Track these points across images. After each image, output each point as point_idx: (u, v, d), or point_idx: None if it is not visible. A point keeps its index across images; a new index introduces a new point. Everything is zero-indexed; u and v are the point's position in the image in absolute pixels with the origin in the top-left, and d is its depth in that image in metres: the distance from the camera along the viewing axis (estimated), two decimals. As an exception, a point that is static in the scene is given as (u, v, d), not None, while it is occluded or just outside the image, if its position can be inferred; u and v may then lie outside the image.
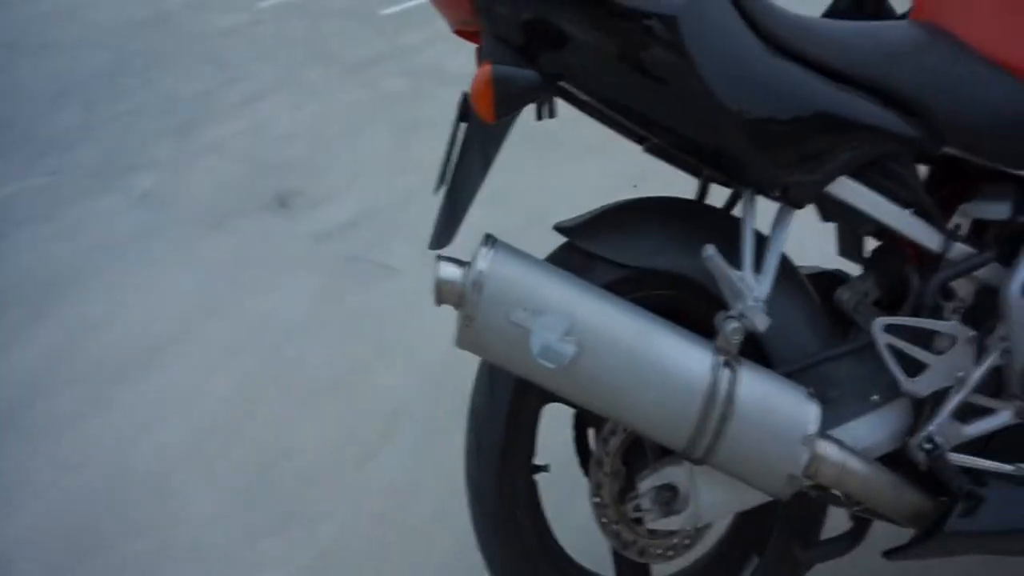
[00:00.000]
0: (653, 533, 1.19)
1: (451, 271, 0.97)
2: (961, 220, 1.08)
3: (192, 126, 3.35)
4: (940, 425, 1.07)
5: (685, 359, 0.98)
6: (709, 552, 1.34)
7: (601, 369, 0.97)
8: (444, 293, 0.97)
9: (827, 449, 1.03)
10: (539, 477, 1.26)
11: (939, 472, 1.06)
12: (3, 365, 2.17)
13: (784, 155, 0.99)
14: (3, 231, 2.75)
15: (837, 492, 1.09)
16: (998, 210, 1.06)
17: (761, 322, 0.99)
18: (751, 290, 1.00)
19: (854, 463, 1.04)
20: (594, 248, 1.10)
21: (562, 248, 1.13)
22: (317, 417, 1.94)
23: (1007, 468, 1.07)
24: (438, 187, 1.05)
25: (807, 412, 1.00)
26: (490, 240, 0.99)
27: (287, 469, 1.81)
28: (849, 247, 1.28)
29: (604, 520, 1.18)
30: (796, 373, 1.10)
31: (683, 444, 1.00)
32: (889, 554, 1.14)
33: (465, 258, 0.99)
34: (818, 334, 1.11)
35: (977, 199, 1.07)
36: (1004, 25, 1.02)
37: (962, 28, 1.03)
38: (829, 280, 1.27)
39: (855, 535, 1.18)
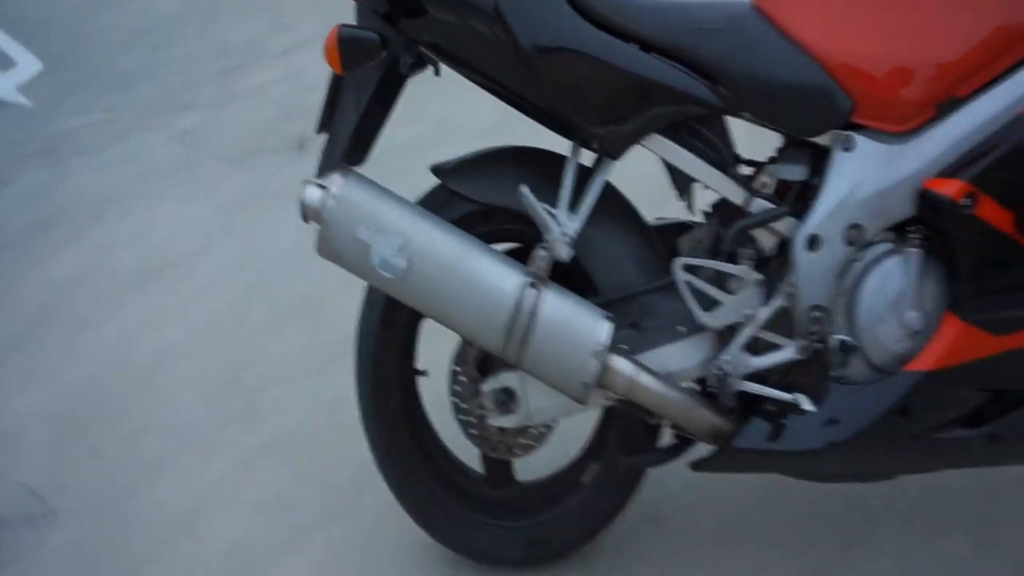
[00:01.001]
0: (502, 431, 1.40)
1: (312, 194, 1.20)
2: (767, 179, 1.22)
3: (237, 71, 3.66)
4: (731, 355, 1.24)
5: (498, 278, 1.19)
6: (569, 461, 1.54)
7: (428, 281, 1.19)
8: (307, 211, 1.20)
9: (618, 363, 1.21)
10: (423, 380, 1.49)
11: (721, 396, 1.23)
12: (38, 275, 2.54)
13: (596, 113, 1.17)
14: (63, 158, 3.13)
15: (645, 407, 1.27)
16: (795, 172, 1.21)
17: (565, 253, 1.19)
18: (559, 225, 1.19)
19: (645, 378, 1.22)
20: (454, 186, 1.30)
21: (436, 185, 1.34)
22: (292, 330, 2.22)
23: (787, 397, 1.23)
24: (319, 130, 1.28)
25: (599, 329, 1.19)
26: (345, 170, 1.21)
27: (257, 372, 2.10)
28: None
29: (462, 419, 1.40)
30: (616, 302, 1.28)
31: (498, 349, 1.21)
32: (694, 465, 1.31)
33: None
34: (642, 271, 1.29)
35: (780, 161, 1.21)
36: (806, 8, 1.16)
37: (776, 10, 1.17)
38: (684, 229, 1.43)
39: (675, 450, 1.36)
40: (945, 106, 1.11)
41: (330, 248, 1.19)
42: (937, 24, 1.11)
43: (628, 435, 1.39)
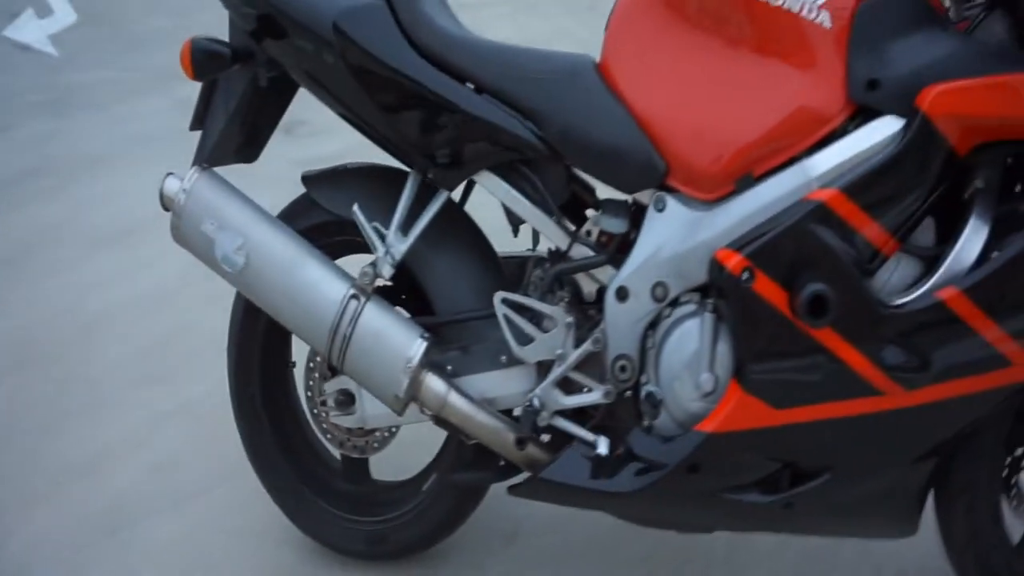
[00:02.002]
0: (350, 431, 1.48)
1: (170, 185, 1.31)
2: (591, 227, 1.28)
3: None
4: (543, 391, 1.31)
5: (326, 286, 1.28)
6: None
7: (262, 279, 1.29)
8: (164, 200, 1.31)
9: (431, 381, 1.29)
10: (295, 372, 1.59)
11: (531, 427, 1.30)
12: (17, 220, 2.72)
13: (426, 145, 1.24)
14: (69, 111, 3.32)
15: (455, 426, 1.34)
16: (616, 224, 1.26)
17: (387, 272, 1.27)
18: (384, 246, 1.27)
19: (455, 399, 1.29)
20: (314, 195, 1.40)
21: (304, 193, 1.43)
22: (230, 305, 2.35)
23: (589, 437, 1.29)
24: (191, 127, 1.38)
25: (413, 347, 1.27)
26: (203, 167, 1.32)
27: (187, 340, 2.23)
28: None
29: (313, 412, 1.50)
30: (449, 324, 1.36)
31: (324, 352, 1.30)
32: (509, 489, 1.38)
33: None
34: (479, 298, 1.35)
35: (603, 213, 1.27)
36: (639, 74, 1.21)
37: (613, 71, 1.23)
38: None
39: (502, 472, 1.42)
40: (742, 182, 1.15)
41: (180, 236, 1.31)
42: (740, 102, 1.16)
43: (464, 451, 1.46)
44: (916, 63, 1.07)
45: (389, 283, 1.44)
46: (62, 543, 1.69)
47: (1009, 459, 1.34)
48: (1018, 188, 1.13)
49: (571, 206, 1.34)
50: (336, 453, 1.57)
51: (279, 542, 1.68)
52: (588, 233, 1.28)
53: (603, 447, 1.27)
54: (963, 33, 1.11)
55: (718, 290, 1.15)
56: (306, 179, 1.41)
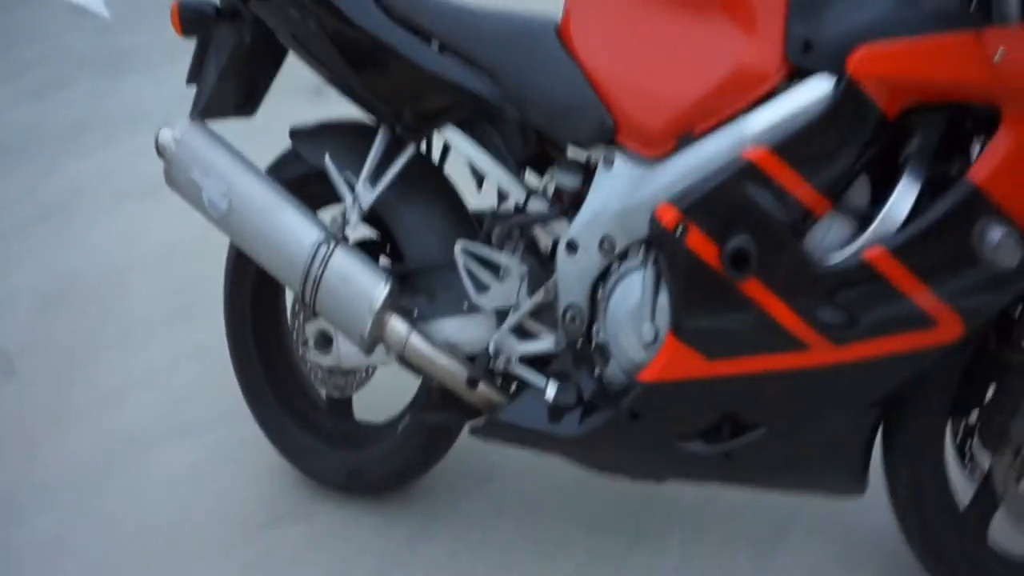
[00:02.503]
0: (331, 371, 1.59)
1: (164, 134, 1.43)
2: (548, 183, 1.34)
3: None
4: (499, 337, 1.38)
5: (300, 231, 1.38)
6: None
7: (244, 224, 1.40)
8: (159, 148, 1.43)
9: (394, 323, 1.38)
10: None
11: (478, 372, 1.37)
12: (60, 172, 2.90)
13: (393, 101, 1.32)
14: (119, 72, 3.50)
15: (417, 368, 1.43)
16: (570, 180, 1.32)
17: (354, 220, 1.36)
18: (353, 195, 1.36)
19: (416, 341, 1.38)
20: (298, 148, 1.49)
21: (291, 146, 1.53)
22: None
23: (539, 382, 1.36)
24: (188, 81, 1.49)
25: (377, 290, 1.36)
26: (196, 118, 1.43)
27: (209, 284, 2.35)
28: None
29: (299, 354, 1.61)
30: (418, 272, 1.44)
31: (298, 293, 1.41)
32: (470, 430, 1.47)
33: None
34: (446, 247, 1.43)
35: (558, 169, 1.33)
36: (593, 34, 1.26)
37: (570, 32, 1.28)
38: None
39: (467, 414, 1.51)
40: (684, 139, 1.19)
41: (172, 181, 1.43)
42: (682, 62, 1.20)
43: (434, 393, 1.55)
44: (850, 23, 1.09)
45: (375, 236, 1.54)
46: (84, 465, 1.86)
47: (963, 423, 1.36)
48: (958, 150, 1.15)
49: (541, 162, 1.40)
50: (322, 392, 1.69)
51: (279, 474, 1.82)
52: (545, 188, 1.35)
53: (551, 392, 1.34)
54: None
55: (656, 244, 1.20)
56: (292, 133, 1.51)
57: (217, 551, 1.67)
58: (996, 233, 1.08)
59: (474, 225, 1.46)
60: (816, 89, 1.11)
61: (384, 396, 1.71)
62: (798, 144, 1.11)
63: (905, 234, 1.11)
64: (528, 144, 1.34)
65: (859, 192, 1.16)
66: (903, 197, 1.11)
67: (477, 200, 1.54)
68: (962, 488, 1.40)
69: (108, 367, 2.14)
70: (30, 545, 1.69)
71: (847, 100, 1.08)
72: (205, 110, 1.46)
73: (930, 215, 1.10)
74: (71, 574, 1.64)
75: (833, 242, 1.16)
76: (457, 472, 1.78)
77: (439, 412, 1.52)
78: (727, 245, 1.11)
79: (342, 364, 1.52)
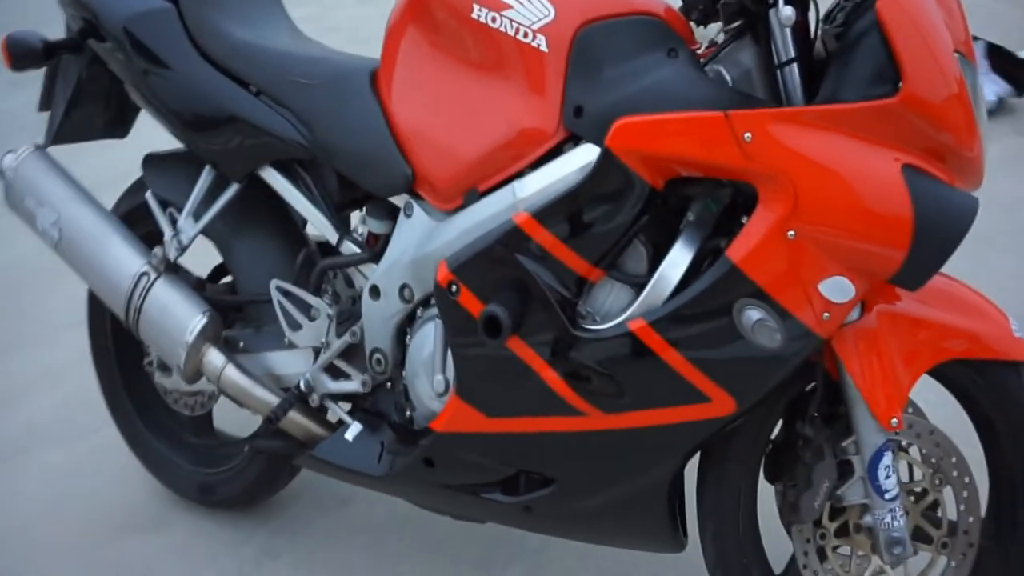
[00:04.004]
0: (175, 392, 1.63)
1: (6, 160, 1.47)
2: (360, 226, 1.35)
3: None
4: (312, 374, 1.40)
5: (124, 261, 1.42)
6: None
7: (74, 252, 1.44)
8: (0, 173, 1.47)
9: (210, 355, 1.41)
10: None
11: (278, 411, 1.40)
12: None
13: (210, 141, 1.34)
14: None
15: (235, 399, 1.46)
16: (378, 225, 1.33)
17: (172, 254, 1.39)
18: (173, 230, 1.39)
19: (231, 372, 1.41)
20: (144, 174, 1.52)
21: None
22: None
23: (347, 421, 1.38)
24: (39, 109, 1.53)
25: (192, 323, 1.39)
26: (36, 147, 1.47)
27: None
28: None
29: (148, 371, 1.65)
30: (249, 303, 1.47)
31: (123, 320, 1.44)
32: (295, 463, 1.49)
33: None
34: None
35: (368, 214, 1.34)
36: (402, 84, 1.26)
37: (382, 80, 1.28)
38: None
39: (296, 445, 1.52)
40: (469, 196, 1.19)
41: (11, 204, 1.48)
42: (467, 119, 1.19)
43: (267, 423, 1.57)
44: (618, 93, 1.07)
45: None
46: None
47: (782, 487, 1.34)
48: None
49: (361, 205, 1.41)
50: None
51: (148, 482, 1.86)
52: (358, 232, 1.36)
53: (351, 433, 1.36)
54: (690, 64, 1.08)
55: (436, 300, 1.21)
56: (145, 160, 1.54)
57: (72, 552, 1.73)
58: (753, 313, 1.06)
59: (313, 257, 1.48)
60: (581, 157, 1.10)
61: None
62: (558, 210, 1.10)
63: (666, 308, 1.09)
64: (345, 187, 1.35)
65: (636, 260, 1.15)
66: (671, 269, 1.10)
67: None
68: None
69: (18, 364, 2.22)
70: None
71: (605, 170, 1.07)
72: (56, 138, 1.50)
73: (691, 291, 1.08)
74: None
75: (612, 309, 1.15)
76: (318, 492, 1.81)
77: (271, 441, 1.55)
78: (484, 309, 1.11)
79: (180, 388, 1.55)
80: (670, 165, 1.06)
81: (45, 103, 1.52)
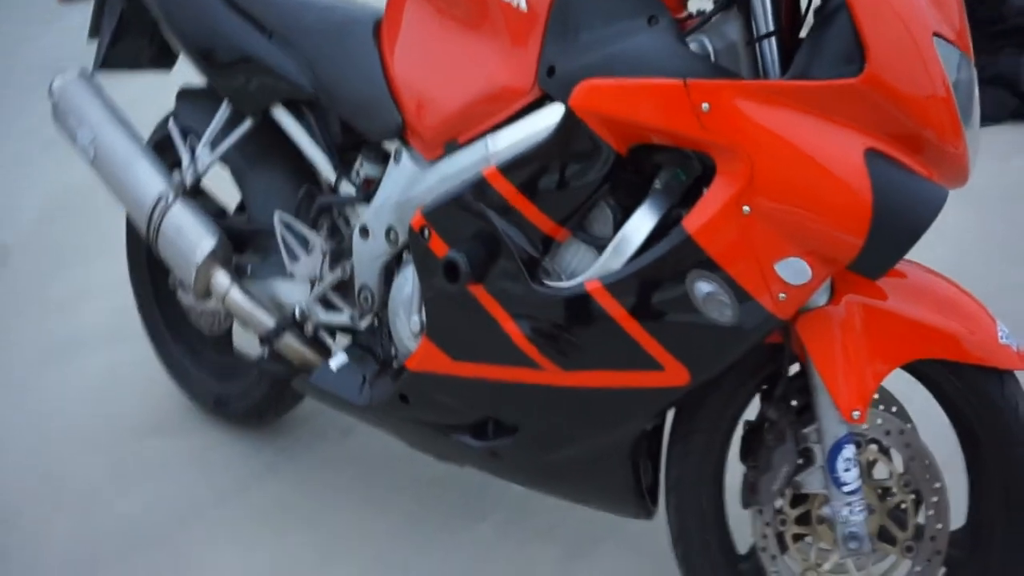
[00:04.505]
0: (194, 310, 1.75)
1: (56, 81, 1.59)
2: (358, 168, 1.41)
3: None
4: (307, 304, 1.48)
5: (146, 184, 1.53)
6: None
7: (106, 171, 1.56)
8: (50, 92, 1.60)
9: (218, 276, 1.51)
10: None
11: (271, 334, 1.48)
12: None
13: (228, 78, 1.43)
14: None
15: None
16: (372, 169, 1.39)
17: (188, 180, 1.49)
18: (193, 158, 1.49)
19: (235, 294, 1.51)
20: (176, 107, 1.62)
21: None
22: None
23: (334, 350, 1.46)
24: (89, 36, 1.64)
25: (202, 245, 1.49)
26: (83, 70, 1.58)
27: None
28: None
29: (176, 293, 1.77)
30: (256, 233, 1.56)
31: (145, 238, 1.56)
32: (295, 386, 1.58)
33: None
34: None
35: (364, 158, 1.39)
36: (399, 35, 1.29)
37: (384, 31, 1.32)
38: None
39: (296, 370, 1.62)
40: (449, 146, 1.22)
41: (57, 123, 1.60)
42: (451, 73, 1.21)
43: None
44: (589, 56, 1.06)
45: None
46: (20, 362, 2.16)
47: (749, 469, 1.33)
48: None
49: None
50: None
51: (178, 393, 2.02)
52: (357, 173, 1.42)
53: (335, 363, 1.43)
54: (668, 33, 1.06)
55: (410, 243, 1.25)
56: (178, 93, 1.64)
57: (101, 444, 1.91)
58: (705, 285, 1.06)
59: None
60: (550, 116, 1.10)
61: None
62: (523, 166, 1.11)
63: (623, 271, 1.09)
64: (346, 131, 1.41)
65: (602, 223, 1.15)
66: (632, 234, 1.10)
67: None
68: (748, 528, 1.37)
69: (81, 275, 2.41)
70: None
71: (568, 130, 1.07)
72: (102, 64, 1.62)
73: (647, 256, 1.08)
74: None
75: (577, 270, 1.17)
76: (322, 421, 1.91)
77: (274, 364, 1.65)
78: (445, 254, 1.14)
79: (197, 306, 1.67)
80: (631, 130, 1.06)
81: (93, 31, 1.64)
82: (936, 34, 0.95)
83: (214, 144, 1.51)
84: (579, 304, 1.13)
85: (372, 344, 1.45)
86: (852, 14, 0.92)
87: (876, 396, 1.21)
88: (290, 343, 1.51)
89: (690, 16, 1.13)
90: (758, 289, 1.04)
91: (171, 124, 1.54)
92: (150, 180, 1.53)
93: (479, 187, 1.15)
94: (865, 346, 1.11)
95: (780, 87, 0.97)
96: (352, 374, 1.45)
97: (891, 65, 0.93)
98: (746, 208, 1.00)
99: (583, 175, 1.10)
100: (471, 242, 1.15)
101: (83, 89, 1.59)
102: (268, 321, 1.51)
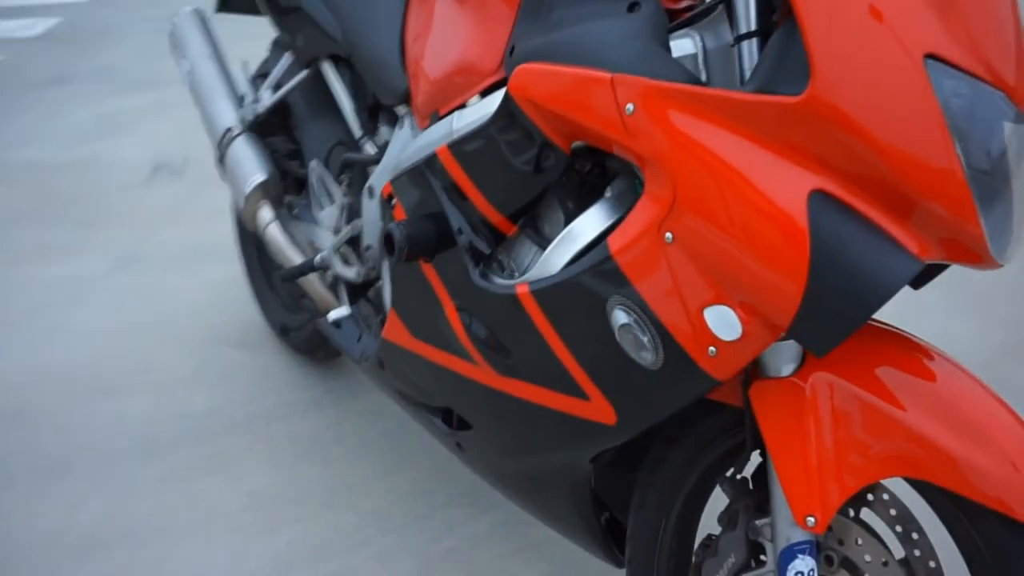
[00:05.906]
0: None
1: (175, 20, 1.75)
2: (383, 126, 1.39)
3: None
4: (327, 253, 1.51)
5: (221, 114, 1.66)
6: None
7: (195, 98, 1.70)
8: (171, 24, 1.76)
9: (262, 210, 1.59)
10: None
11: (286, 275, 1.53)
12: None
13: (288, 28, 1.49)
14: None
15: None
16: (388, 131, 1.36)
17: (250, 116, 1.57)
18: (252, 98, 1.57)
19: (273, 230, 1.58)
20: (270, 53, 1.71)
21: None
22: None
23: (344, 301, 1.48)
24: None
25: (253, 178, 1.58)
26: (197, 10, 1.72)
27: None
28: None
29: None
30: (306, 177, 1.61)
31: (216, 162, 1.68)
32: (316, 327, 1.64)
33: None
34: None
35: (380, 122, 1.38)
36: (425, 6, 1.25)
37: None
38: None
39: (315, 313, 1.67)
40: (432, 118, 1.15)
41: (172, 50, 1.77)
42: (446, 44, 1.15)
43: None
44: (546, 38, 0.93)
45: None
46: (157, 265, 2.44)
47: (701, 545, 1.15)
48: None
49: None
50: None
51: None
52: (379, 135, 1.40)
53: (334, 314, 1.45)
54: (645, 23, 0.87)
55: (381, 210, 1.22)
56: (273, 41, 1.74)
57: (188, 347, 2.11)
58: (622, 315, 0.91)
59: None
60: (497, 99, 1.01)
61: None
62: (467, 148, 1.02)
63: (551, 279, 0.97)
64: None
65: (552, 224, 1.03)
66: (571, 241, 0.96)
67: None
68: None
69: (211, 197, 2.67)
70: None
71: (504, 115, 0.95)
72: (220, 6, 1.75)
73: (574, 268, 0.94)
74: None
75: (528, 269, 1.07)
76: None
77: (304, 301, 1.72)
78: (388, 226, 1.09)
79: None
80: (566, 125, 0.92)
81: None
82: (933, 55, 0.71)
83: (275, 88, 1.59)
84: (509, 306, 1.03)
85: (376, 302, 1.45)
86: (795, 13, 0.72)
87: (871, 497, 0.98)
88: (314, 287, 1.56)
89: (689, 8, 0.96)
90: (684, 336, 0.87)
91: (244, 68, 1.65)
92: (224, 112, 1.66)
93: (430, 162, 1.09)
94: (835, 440, 0.88)
95: (715, 96, 0.78)
96: (351, 327, 1.47)
97: (843, 86, 0.71)
98: (668, 235, 0.84)
99: (527, 168, 0.99)
100: (424, 219, 1.10)
101: (192, 25, 1.75)
102: (295, 260, 1.57)
